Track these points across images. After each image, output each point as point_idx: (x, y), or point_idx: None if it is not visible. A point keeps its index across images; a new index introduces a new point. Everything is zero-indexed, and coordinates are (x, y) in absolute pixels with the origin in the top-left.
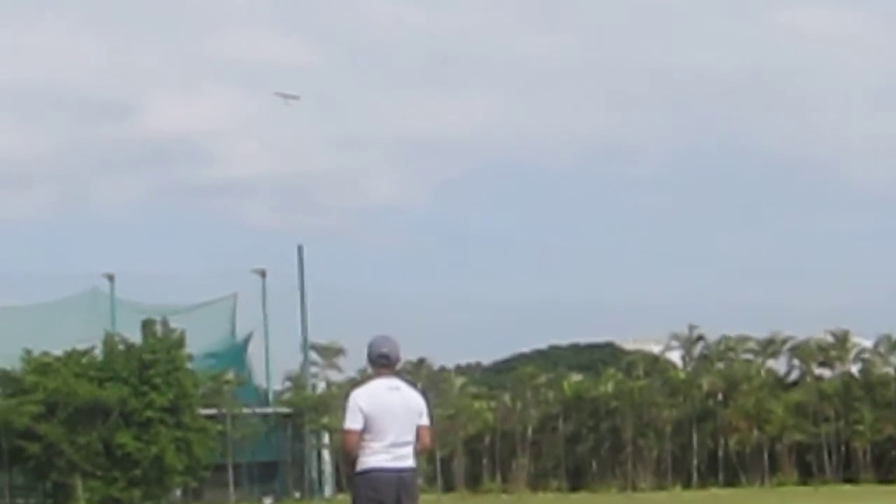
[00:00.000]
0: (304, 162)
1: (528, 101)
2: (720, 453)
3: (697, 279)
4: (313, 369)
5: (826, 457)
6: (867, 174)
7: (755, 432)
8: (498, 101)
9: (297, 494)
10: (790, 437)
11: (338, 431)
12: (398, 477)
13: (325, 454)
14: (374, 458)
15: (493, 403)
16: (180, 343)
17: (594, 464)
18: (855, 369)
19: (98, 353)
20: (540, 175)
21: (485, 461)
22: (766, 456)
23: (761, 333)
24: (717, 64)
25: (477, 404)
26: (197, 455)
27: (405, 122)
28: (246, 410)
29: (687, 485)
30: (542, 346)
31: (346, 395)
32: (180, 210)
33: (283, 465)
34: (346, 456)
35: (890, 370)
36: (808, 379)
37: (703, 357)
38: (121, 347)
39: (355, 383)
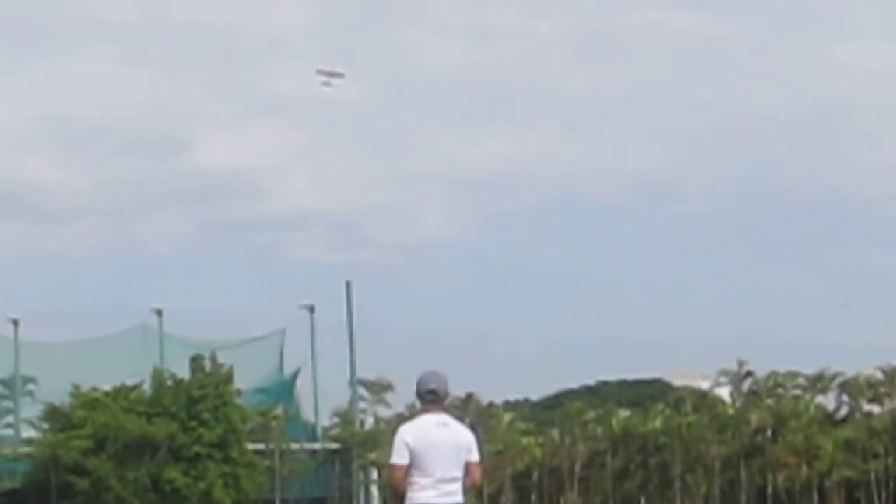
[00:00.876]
0: (353, 197)
1: (577, 137)
2: (769, 490)
3: (746, 314)
4: (361, 405)
5: (876, 493)
6: None
7: (804, 468)
8: (547, 137)
9: None
10: (840, 473)
11: (386, 467)
12: None
13: (374, 490)
14: (421, 493)
15: (541, 439)
16: (229, 378)
17: (643, 500)
18: None
19: (147, 388)
20: (588, 210)
21: (533, 497)
22: (815, 492)
23: (810, 369)
24: (765, 100)
25: (525, 440)
26: (245, 490)
27: (454, 157)
28: (294, 446)
29: None
30: (591, 381)
31: (394, 431)
32: (229, 245)
33: (331, 500)
34: (393, 491)
35: None
36: (858, 415)
37: (752, 393)
38: (169, 383)
39: (404, 419)
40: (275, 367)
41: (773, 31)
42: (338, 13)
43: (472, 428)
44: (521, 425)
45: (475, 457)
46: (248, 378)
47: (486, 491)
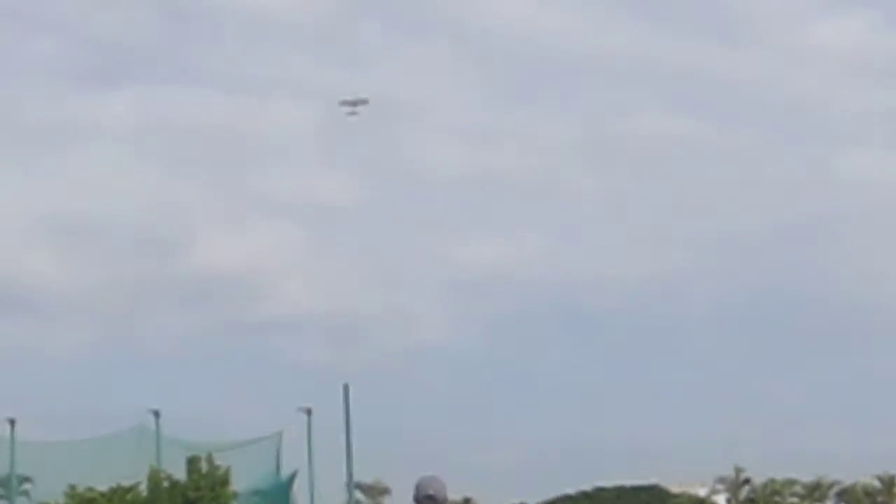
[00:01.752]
0: (351, 300)
1: (577, 241)
2: None
3: (744, 422)
4: None
5: None
6: None
7: None
8: (547, 241)
9: None
10: None
11: None
12: None
13: None
14: None
15: None
16: (225, 480)
17: None
18: None
19: (143, 489)
20: (588, 315)
21: None
22: None
23: (808, 477)
24: (766, 207)
25: None
26: None
27: (454, 261)
28: None
29: None
30: (587, 487)
31: None
32: (227, 347)
33: None
34: None
35: None
36: None
37: (750, 501)
38: (166, 484)
39: None
40: (271, 469)
41: (775, 139)
42: (338, 116)
43: None
44: None
45: None
46: (244, 480)
47: None
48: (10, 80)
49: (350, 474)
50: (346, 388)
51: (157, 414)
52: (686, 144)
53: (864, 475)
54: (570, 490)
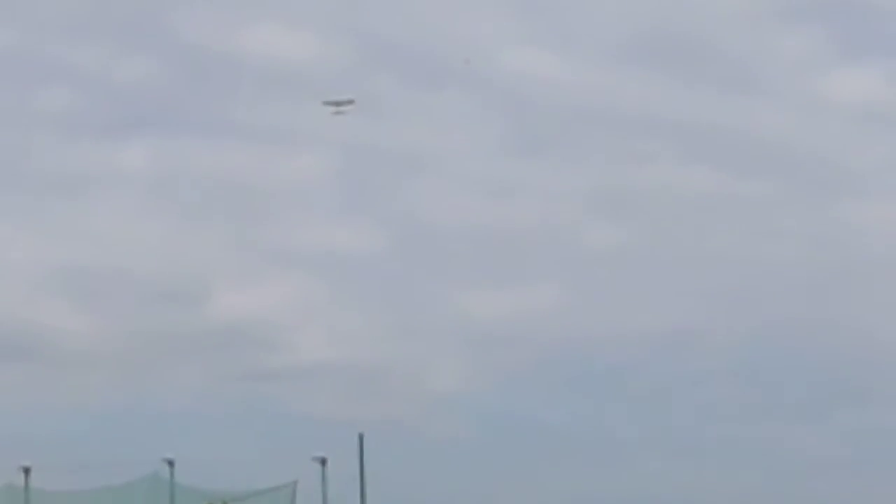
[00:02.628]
0: (368, 351)
1: (592, 293)
2: None
3: (768, 472)
4: None
5: None
6: None
7: None
8: (562, 293)
9: None
10: None
11: None
12: None
13: None
14: None
15: None
16: None
17: None
18: None
19: None
20: (603, 368)
21: None
22: None
23: None
24: (782, 257)
25: None
26: None
27: (469, 312)
28: None
29: None
30: None
31: None
32: (242, 396)
33: None
34: None
35: None
36: None
37: None
38: None
39: None
40: None
41: (791, 191)
42: (355, 165)
43: None
44: None
45: None
46: None
47: None
48: (26, 130)
49: None
50: (361, 438)
51: (171, 463)
52: (702, 196)
53: None
54: None
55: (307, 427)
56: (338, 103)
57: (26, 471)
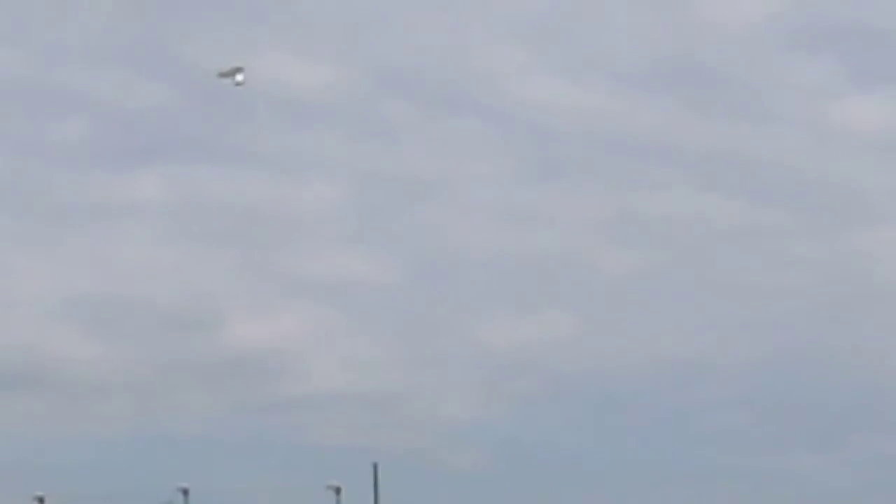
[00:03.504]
0: (382, 379)
1: (605, 321)
2: None
3: (782, 502)
4: None
5: None
6: None
7: None
8: (576, 321)
9: None
10: None
11: None
12: None
13: None
14: None
15: None
16: None
17: None
18: None
19: None
20: (617, 396)
21: None
22: None
23: None
24: (798, 285)
25: None
26: None
27: (483, 339)
28: None
29: None
30: None
31: None
32: (256, 425)
33: None
34: None
35: None
36: None
37: None
38: None
39: None
40: None
41: (803, 218)
42: (369, 193)
43: None
44: None
45: None
46: None
47: None
48: (41, 159)
49: None
50: (375, 467)
51: (185, 492)
52: (716, 224)
53: None
54: None
55: (321, 456)
56: (229, 73)
57: (40, 500)
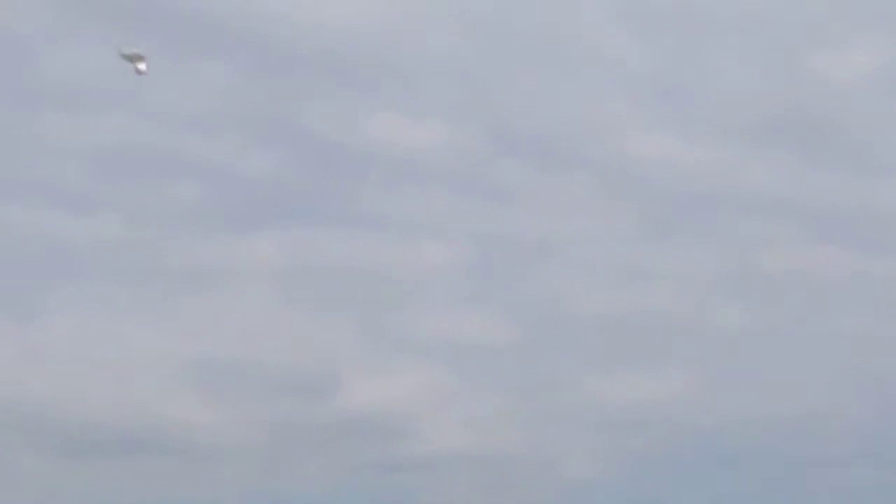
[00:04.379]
0: (499, 439)
1: (721, 378)
2: None
3: None
4: None
5: None
6: None
7: None
8: (693, 376)
9: None
10: None
11: None
12: None
13: None
14: None
15: None
16: None
17: None
18: None
19: None
20: (737, 450)
21: None
22: None
23: None
24: None
25: None
26: None
27: (600, 398)
28: None
29: None
30: None
31: None
32: (374, 487)
33: None
34: None
35: None
36: None
37: None
38: None
39: None
40: None
41: None
42: (484, 253)
43: None
44: None
45: None
46: None
47: None
48: (155, 224)
49: None
50: None
51: None
52: (830, 277)
53: None
54: None
55: None
56: (131, 58)
57: None
